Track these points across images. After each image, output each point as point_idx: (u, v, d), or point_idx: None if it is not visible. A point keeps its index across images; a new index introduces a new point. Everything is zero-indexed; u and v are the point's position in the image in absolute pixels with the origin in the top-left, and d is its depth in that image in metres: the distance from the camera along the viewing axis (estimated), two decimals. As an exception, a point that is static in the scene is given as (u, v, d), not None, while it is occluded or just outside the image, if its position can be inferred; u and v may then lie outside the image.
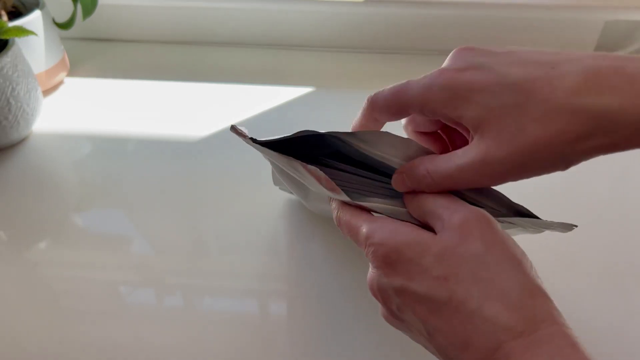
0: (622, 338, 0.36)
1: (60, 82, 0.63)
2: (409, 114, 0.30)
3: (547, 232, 0.36)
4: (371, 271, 0.28)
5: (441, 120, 0.28)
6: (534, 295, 0.24)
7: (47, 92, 0.61)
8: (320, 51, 0.68)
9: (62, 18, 0.60)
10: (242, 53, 0.68)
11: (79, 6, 0.57)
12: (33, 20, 0.55)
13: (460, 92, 0.26)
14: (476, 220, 0.25)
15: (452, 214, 0.26)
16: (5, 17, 0.54)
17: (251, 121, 0.57)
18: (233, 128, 0.32)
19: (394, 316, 0.27)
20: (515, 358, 0.22)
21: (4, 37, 0.49)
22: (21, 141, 0.54)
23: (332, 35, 0.67)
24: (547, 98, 0.24)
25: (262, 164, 0.51)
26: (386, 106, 0.29)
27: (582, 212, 0.45)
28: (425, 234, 0.26)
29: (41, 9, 0.56)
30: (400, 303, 0.26)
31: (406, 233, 0.26)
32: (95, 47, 0.69)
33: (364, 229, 0.28)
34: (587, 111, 0.23)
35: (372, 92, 0.31)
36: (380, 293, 0.27)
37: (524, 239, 0.43)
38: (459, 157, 0.27)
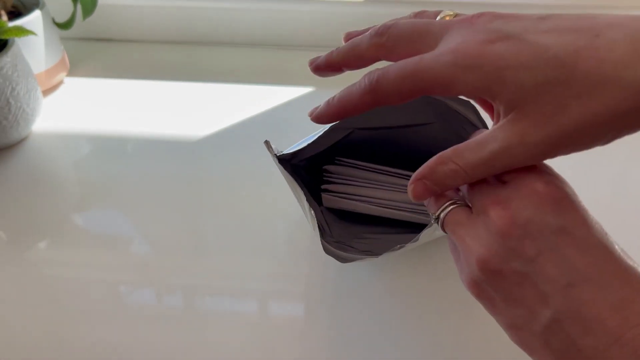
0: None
1: (60, 82, 0.63)
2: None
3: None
4: (522, 203, 0.24)
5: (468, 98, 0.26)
6: None
7: (46, 92, 0.61)
8: (320, 51, 0.67)
9: (62, 18, 0.60)
10: (242, 53, 0.68)
11: (79, 6, 0.57)
12: (33, 20, 0.55)
13: (491, 72, 0.23)
14: None
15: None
16: (5, 17, 0.54)
17: (251, 121, 0.57)
18: (267, 143, 0.34)
19: (518, 258, 0.24)
20: None
21: (3, 37, 0.49)
22: (21, 141, 0.54)
23: (332, 35, 0.67)
24: (592, 72, 0.22)
25: (262, 164, 0.51)
26: (397, 92, 0.26)
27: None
28: None
29: (41, 9, 0.56)
30: (556, 246, 0.23)
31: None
32: (95, 47, 0.69)
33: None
34: (638, 84, 0.21)
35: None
36: (527, 227, 0.23)
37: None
38: (491, 142, 0.24)
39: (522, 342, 0.25)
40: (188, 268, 0.42)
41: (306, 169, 0.41)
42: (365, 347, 0.37)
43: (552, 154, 0.24)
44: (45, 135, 0.55)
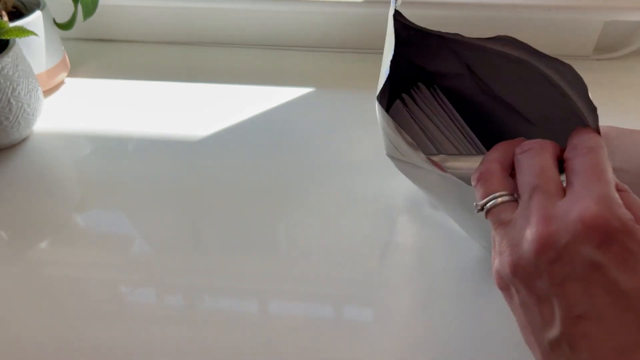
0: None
1: (61, 83, 0.63)
2: None
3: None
4: (566, 227, 0.23)
5: None
6: None
7: (47, 93, 0.61)
8: (320, 51, 0.68)
9: (63, 18, 0.61)
10: (242, 53, 0.68)
11: (80, 6, 0.57)
12: (34, 20, 0.55)
13: None
14: None
15: None
16: (5, 18, 0.54)
17: (251, 122, 0.57)
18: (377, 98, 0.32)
19: (544, 278, 0.24)
20: None
21: (4, 37, 0.49)
22: (22, 141, 0.54)
23: (332, 35, 0.67)
24: None
25: (262, 164, 0.52)
26: None
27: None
28: None
29: (42, 10, 0.56)
30: (584, 279, 0.23)
31: None
32: (95, 48, 0.69)
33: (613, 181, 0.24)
34: None
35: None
36: (562, 252, 0.23)
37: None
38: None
39: (528, 343, 0.26)
40: (188, 268, 0.42)
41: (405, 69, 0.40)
42: (366, 348, 0.37)
43: None
44: (46, 135, 0.55)
